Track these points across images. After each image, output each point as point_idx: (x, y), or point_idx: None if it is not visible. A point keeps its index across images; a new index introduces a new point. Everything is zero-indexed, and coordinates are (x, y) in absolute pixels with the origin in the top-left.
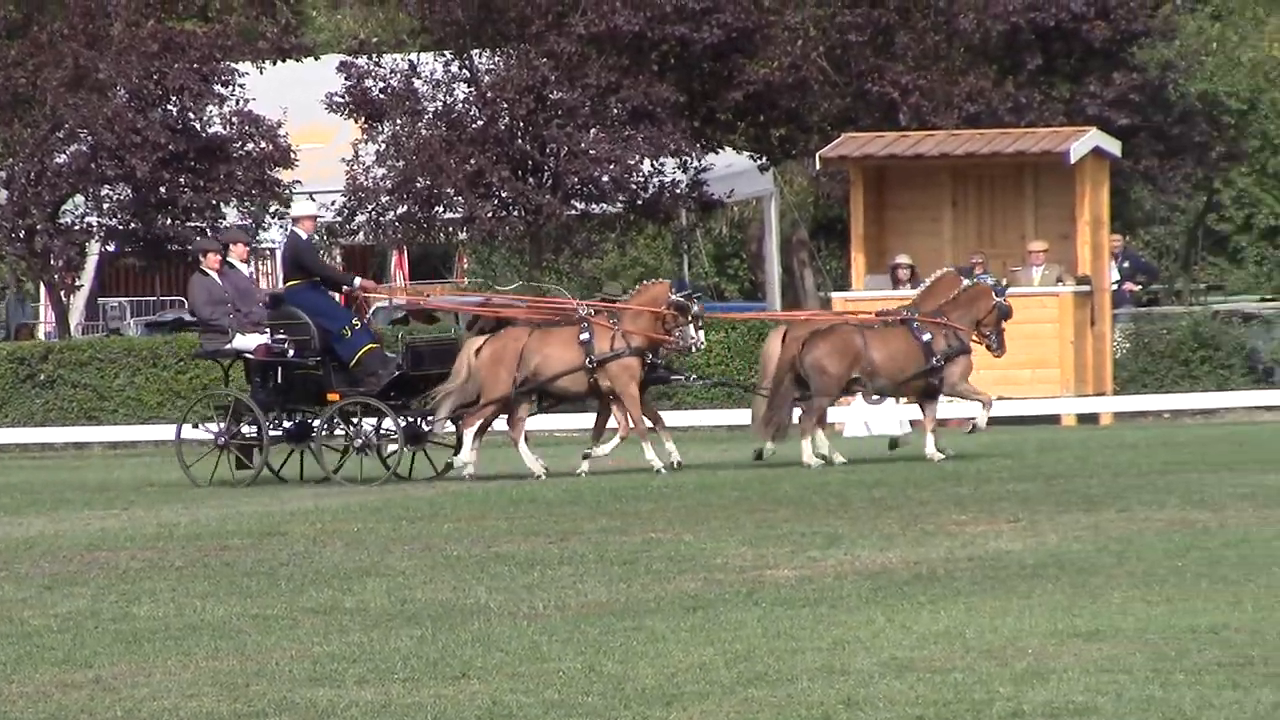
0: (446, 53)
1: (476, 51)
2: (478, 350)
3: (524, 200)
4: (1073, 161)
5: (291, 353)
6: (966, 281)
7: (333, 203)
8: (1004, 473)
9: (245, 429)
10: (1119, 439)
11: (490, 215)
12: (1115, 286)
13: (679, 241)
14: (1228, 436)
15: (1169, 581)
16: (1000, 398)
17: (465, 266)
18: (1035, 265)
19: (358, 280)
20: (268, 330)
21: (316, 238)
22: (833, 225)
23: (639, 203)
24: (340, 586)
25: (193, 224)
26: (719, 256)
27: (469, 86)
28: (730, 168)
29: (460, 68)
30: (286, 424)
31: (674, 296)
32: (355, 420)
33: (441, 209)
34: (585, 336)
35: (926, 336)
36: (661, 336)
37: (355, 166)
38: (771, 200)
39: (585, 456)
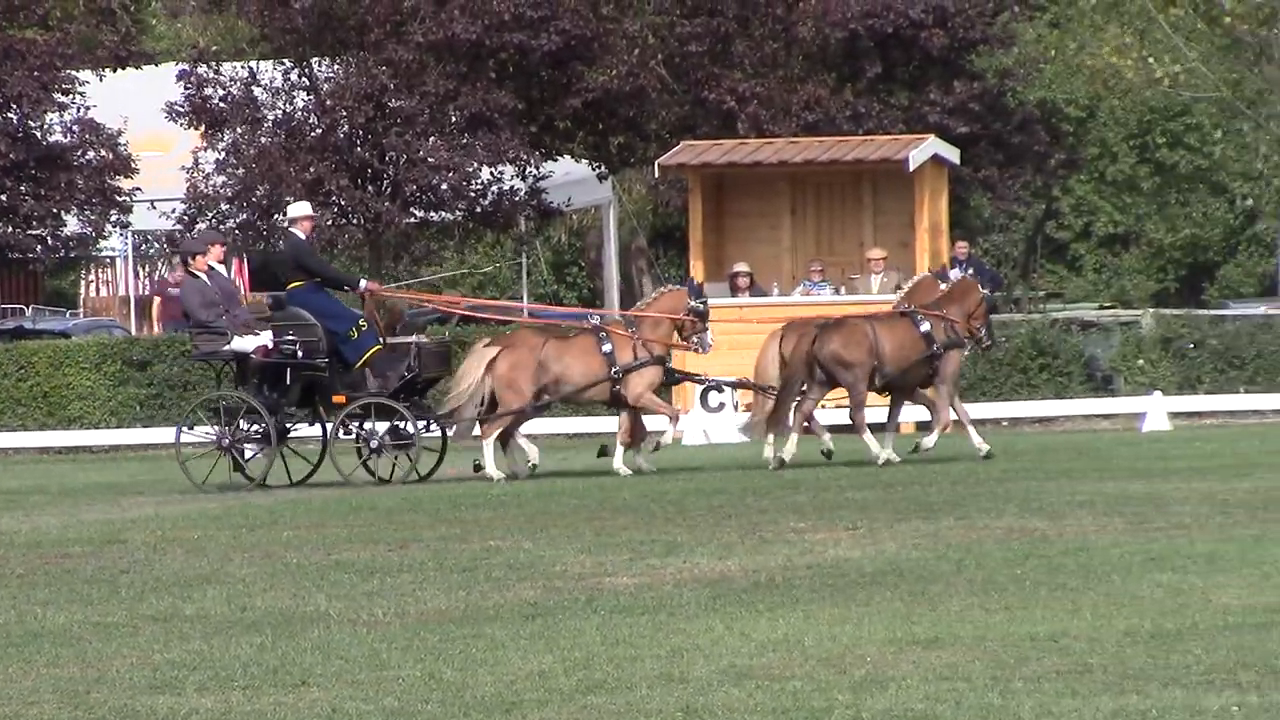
0: (286, 61)
1: (316, 60)
2: (492, 359)
3: (363, 208)
4: (912, 169)
5: (300, 354)
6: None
7: (173, 210)
8: (843, 480)
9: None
10: (957, 447)
11: (330, 223)
12: None
13: (518, 249)
14: (1066, 444)
15: (1008, 589)
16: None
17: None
18: (874, 273)
19: (363, 281)
20: (262, 332)
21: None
22: (671, 233)
23: (478, 210)
24: (180, 594)
25: (33, 232)
26: (558, 264)
27: (308, 95)
28: (569, 175)
29: (300, 76)
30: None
31: (692, 303)
32: (364, 422)
33: (281, 217)
34: (608, 348)
35: (926, 326)
36: (680, 344)
37: (195, 174)
38: (610, 208)
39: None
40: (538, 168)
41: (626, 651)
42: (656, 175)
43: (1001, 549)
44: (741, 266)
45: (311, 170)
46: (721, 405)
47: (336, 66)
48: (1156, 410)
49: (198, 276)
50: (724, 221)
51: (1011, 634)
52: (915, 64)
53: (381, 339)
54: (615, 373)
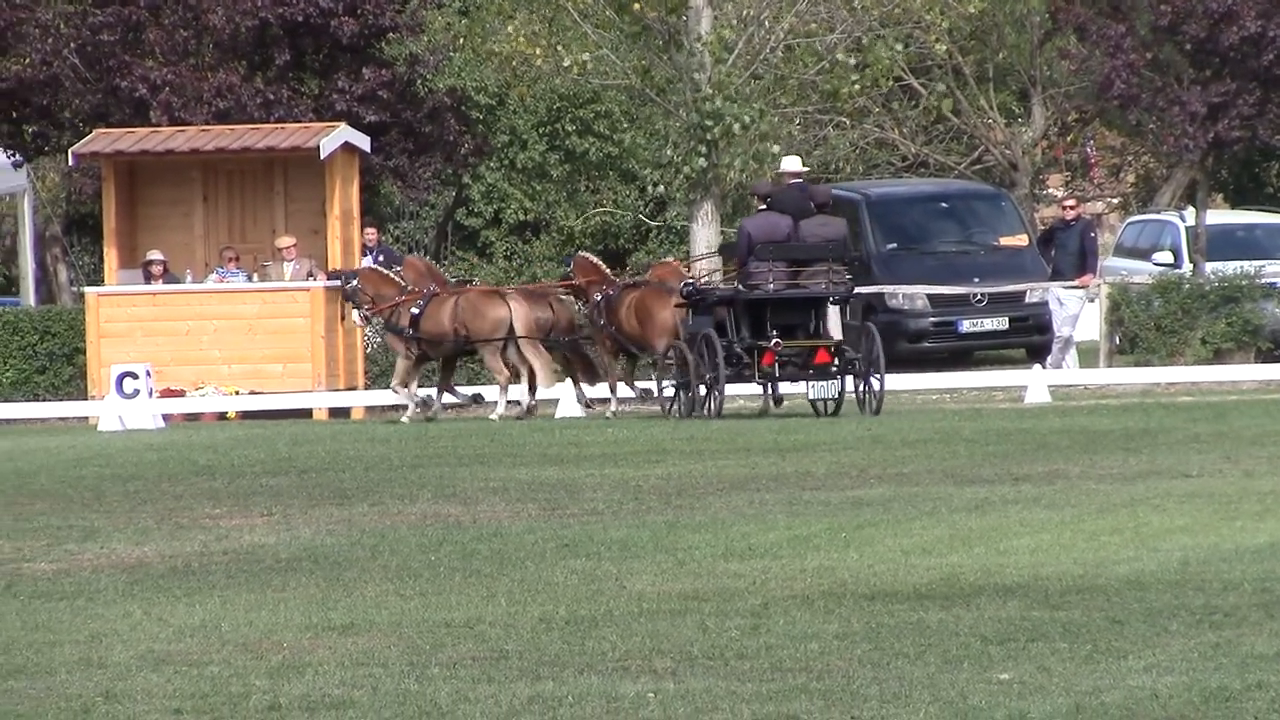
0: None
1: None
2: None
3: None
4: (323, 156)
5: None
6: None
7: None
8: (257, 467)
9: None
10: (371, 433)
11: None
12: None
13: None
14: (480, 430)
15: (423, 575)
16: (253, 392)
17: None
18: (287, 259)
19: None
20: None
21: None
22: (85, 221)
23: None
24: None
25: None
26: None
27: None
28: None
29: None
30: None
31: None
32: None
33: None
34: None
35: None
36: None
37: None
38: (25, 196)
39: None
40: None
41: (46, 636)
42: (71, 163)
43: (416, 535)
44: (155, 254)
45: None
46: (137, 391)
47: None
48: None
49: None
50: (138, 209)
51: (427, 620)
52: (325, 52)
53: None
54: None
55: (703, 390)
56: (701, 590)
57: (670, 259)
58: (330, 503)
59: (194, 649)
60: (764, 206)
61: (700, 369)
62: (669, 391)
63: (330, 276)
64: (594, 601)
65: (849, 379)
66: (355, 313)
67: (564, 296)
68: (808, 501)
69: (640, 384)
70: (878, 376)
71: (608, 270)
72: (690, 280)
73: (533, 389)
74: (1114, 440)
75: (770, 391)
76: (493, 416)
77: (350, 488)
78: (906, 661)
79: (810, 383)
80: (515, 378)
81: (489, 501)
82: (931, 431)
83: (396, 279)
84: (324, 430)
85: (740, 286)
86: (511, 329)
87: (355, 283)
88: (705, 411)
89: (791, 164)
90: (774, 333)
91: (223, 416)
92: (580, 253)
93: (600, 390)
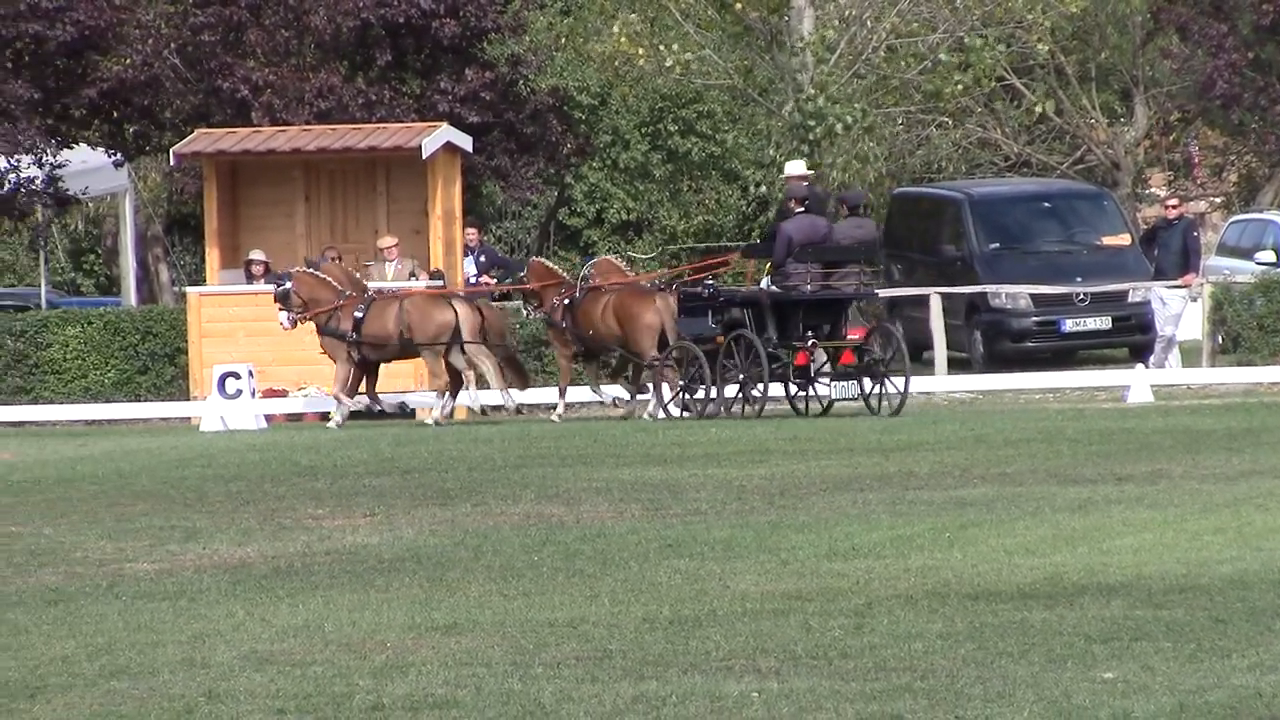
0: None
1: None
2: None
3: None
4: (426, 156)
5: None
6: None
7: None
8: (360, 467)
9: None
10: (474, 434)
11: None
12: (473, 280)
13: (35, 238)
14: (583, 430)
15: (526, 575)
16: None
17: None
18: (389, 260)
19: None
20: None
21: None
22: (187, 220)
23: None
24: None
25: None
26: (75, 252)
27: None
28: (86, 164)
29: None
30: None
31: None
32: None
33: None
34: None
35: None
36: None
37: None
38: (127, 196)
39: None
40: (54, 156)
41: (149, 637)
42: (172, 163)
43: (519, 535)
44: (257, 254)
45: None
46: (239, 392)
47: None
48: None
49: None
50: (240, 209)
51: (531, 620)
52: (427, 52)
53: None
54: None
55: (727, 391)
56: (805, 590)
57: (610, 256)
58: (433, 503)
59: (297, 649)
60: (801, 209)
61: (729, 370)
62: (666, 393)
63: (432, 276)
64: (698, 601)
65: (869, 380)
66: (283, 314)
67: (493, 303)
68: (911, 501)
69: (609, 388)
70: (901, 377)
71: (564, 274)
72: (710, 282)
73: (476, 387)
74: (1217, 440)
75: (810, 393)
76: (428, 420)
77: (453, 488)
78: (1010, 661)
79: (833, 383)
80: (460, 383)
81: (592, 502)
82: (1034, 431)
83: (333, 283)
84: (427, 430)
85: (775, 287)
86: (457, 333)
87: (288, 285)
88: (728, 412)
89: (796, 168)
90: (809, 333)
91: (325, 417)
92: (533, 257)
93: (500, 397)
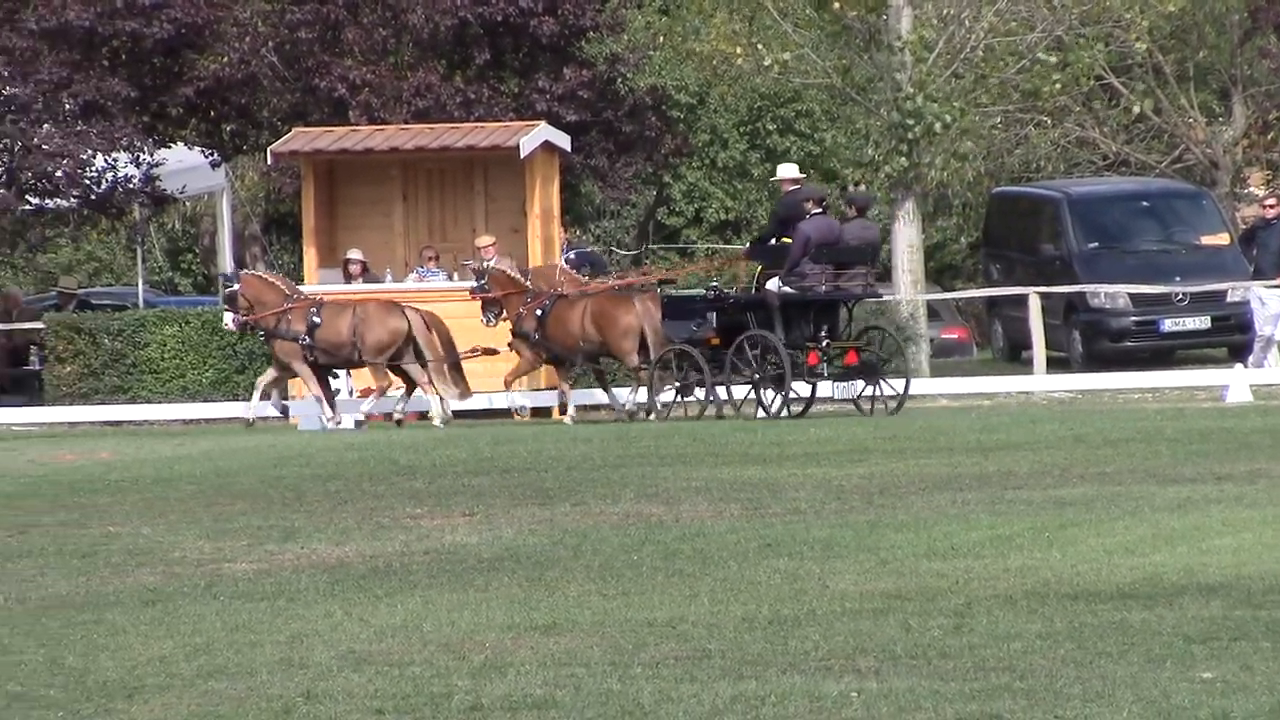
0: None
1: None
2: None
3: None
4: (524, 155)
5: None
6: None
7: None
8: (458, 466)
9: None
10: (574, 433)
11: None
12: None
13: (132, 236)
14: (682, 430)
15: (625, 575)
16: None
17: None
18: (486, 259)
19: None
20: None
21: None
22: (285, 219)
23: (92, 197)
24: None
25: None
26: (173, 251)
27: None
28: (183, 163)
29: None
30: None
31: None
32: None
33: None
34: None
35: None
36: None
37: None
38: (224, 195)
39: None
40: (151, 155)
41: (247, 637)
42: (269, 162)
43: (618, 534)
44: (354, 253)
45: None
46: (338, 391)
47: None
48: None
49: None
50: (336, 208)
51: (630, 619)
52: (525, 51)
53: None
54: None
55: (738, 391)
56: (904, 589)
57: (554, 261)
58: (532, 502)
59: (395, 649)
60: (818, 210)
61: (742, 371)
62: (666, 395)
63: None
64: (797, 601)
65: (873, 379)
66: (229, 316)
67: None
68: (1010, 501)
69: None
70: (900, 377)
71: (526, 282)
72: (714, 284)
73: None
74: None
75: (826, 394)
76: (437, 423)
77: (552, 487)
78: (1109, 661)
79: (835, 382)
80: (411, 387)
81: (691, 501)
82: (1133, 431)
83: (281, 286)
84: (525, 430)
85: (788, 288)
86: (410, 339)
87: (236, 287)
88: (737, 411)
89: (788, 171)
90: (822, 332)
91: (423, 416)
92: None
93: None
